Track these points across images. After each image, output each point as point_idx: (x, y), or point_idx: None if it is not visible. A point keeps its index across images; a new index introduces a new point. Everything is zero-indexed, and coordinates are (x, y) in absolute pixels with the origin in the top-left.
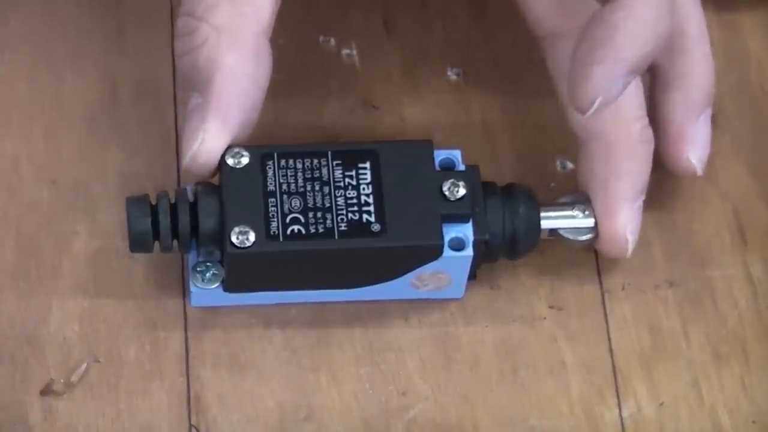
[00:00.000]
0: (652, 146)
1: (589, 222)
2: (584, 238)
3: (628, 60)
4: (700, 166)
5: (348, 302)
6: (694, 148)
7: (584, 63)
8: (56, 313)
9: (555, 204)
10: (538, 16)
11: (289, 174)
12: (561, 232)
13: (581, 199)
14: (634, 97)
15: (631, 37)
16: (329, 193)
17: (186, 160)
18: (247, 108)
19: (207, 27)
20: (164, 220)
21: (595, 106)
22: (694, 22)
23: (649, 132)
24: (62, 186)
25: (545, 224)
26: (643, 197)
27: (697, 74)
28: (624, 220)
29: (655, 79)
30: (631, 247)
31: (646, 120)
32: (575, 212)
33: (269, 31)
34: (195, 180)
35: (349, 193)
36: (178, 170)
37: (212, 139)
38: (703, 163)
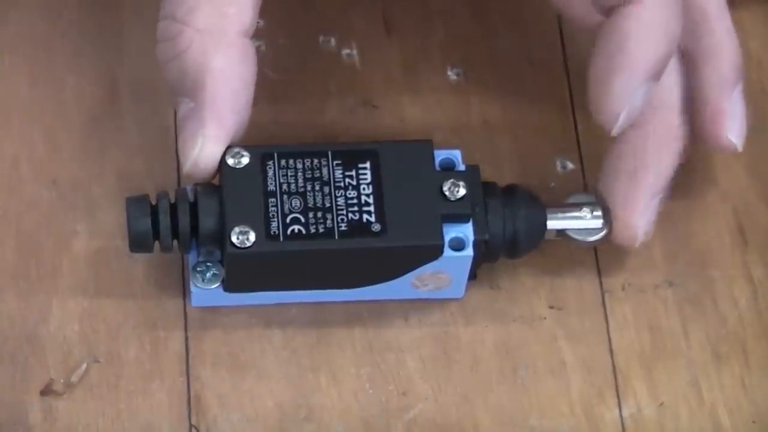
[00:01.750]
0: (683, 145)
1: (598, 223)
2: (593, 239)
3: (644, 67)
4: (740, 143)
5: (348, 302)
6: (733, 125)
7: (601, 78)
8: (56, 313)
9: (563, 205)
10: (576, 14)
11: (289, 174)
12: (569, 233)
13: (589, 199)
14: (677, 90)
15: (643, 42)
16: (329, 193)
17: (187, 167)
18: (240, 108)
19: (190, 30)
20: (164, 220)
21: (621, 119)
22: (713, 0)
23: (686, 129)
24: (62, 186)
25: (553, 225)
26: (662, 195)
27: (723, 50)
28: (640, 212)
29: (683, 64)
30: (640, 240)
31: (687, 115)
32: (583, 213)
33: (252, 29)
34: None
35: (350, 193)
36: (178, 170)
37: (211, 143)
38: (743, 139)
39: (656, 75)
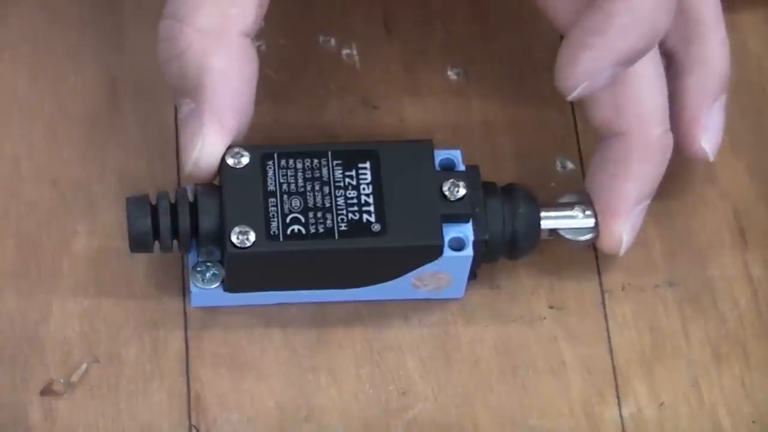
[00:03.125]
0: (669, 154)
1: (590, 222)
2: (584, 238)
3: (618, 52)
4: (713, 153)
5: (348, 302)
6: (707, 135)
7: (574, 46)
8: (56, 313)
9: (555, 204)
10: (562, 16)
11: (289, 174)
12: (561, 232)
13: (581, 199)
14: (659, 101)
15: (625, 29)
16: (329, 193)
17: (188, 168)
18: (241, 108)
19: (190, 30)
20: (164, 220)
21: (578, 91)
22: (710, 8)
23: (669, 139)
24: (62, 186)
25: (545, 224)
26: (648, 201)
27: (712, 60)
28: (622, 220)
29: (670, 66)
30: (624, 247)
31: (667, 126)
32: (575, 212)
33: (255, 30)
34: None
35: (349, 193)
36: (178, 170)
37: (212, 144)
38: (716, 149)
39: (627, 63)
